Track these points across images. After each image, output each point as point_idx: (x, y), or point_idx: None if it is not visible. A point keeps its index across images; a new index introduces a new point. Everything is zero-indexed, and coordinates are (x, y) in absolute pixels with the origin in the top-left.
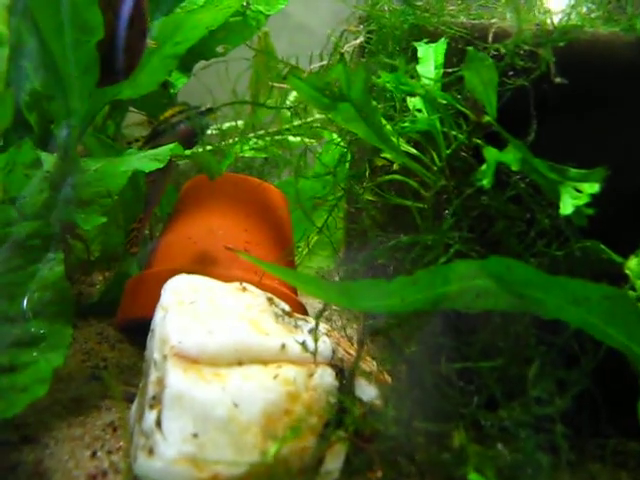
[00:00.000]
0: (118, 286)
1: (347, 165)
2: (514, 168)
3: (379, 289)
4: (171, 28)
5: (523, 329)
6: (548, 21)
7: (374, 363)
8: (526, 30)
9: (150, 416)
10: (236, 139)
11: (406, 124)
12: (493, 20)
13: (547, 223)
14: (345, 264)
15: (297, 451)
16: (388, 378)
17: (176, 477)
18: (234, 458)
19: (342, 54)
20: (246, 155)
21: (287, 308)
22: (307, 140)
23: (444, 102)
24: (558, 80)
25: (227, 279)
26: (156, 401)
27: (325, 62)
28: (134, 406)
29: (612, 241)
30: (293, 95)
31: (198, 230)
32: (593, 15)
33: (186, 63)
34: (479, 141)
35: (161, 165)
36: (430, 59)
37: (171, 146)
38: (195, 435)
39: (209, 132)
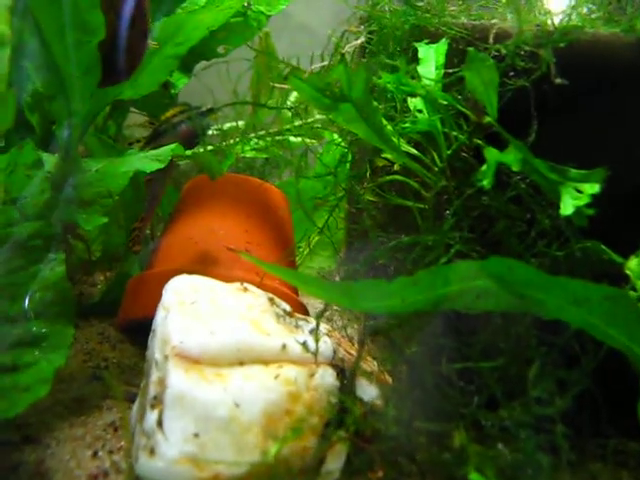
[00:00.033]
0: (119, 286)
1: (348, 165)
2: (515, 168)
3: (380, 289)
4: (172, 28)
5: (524, 329)
6: (549, 22)
7: (375, 363)
8: (527, 31)
9: (151, 416)
10: (237, 139)
11: (407, 124)
12: (494, 21)
13: (548, 223)
14: (346, 264)
15: (298, 451)
16: (389, 378)
17: (177, 477)
18: (235, 458)
19: (343, 54)
20: (247, 155)
21: (288, 308)
22: (308, 140)
23: (445, 103)
24: (558, 81)
25: (228, 279)
26: (157, 401)
27: (326, 63)
28: (135, 406)
29: (612, 241)
30: (294, 95)
31: (199, 230)
32: (593, 16)
33: (187, 63)
34: (480, 142)
35: (162, 165)
36: (431, 60)
37: (172, 146)
38: (196, 435)
39: (210, 132)
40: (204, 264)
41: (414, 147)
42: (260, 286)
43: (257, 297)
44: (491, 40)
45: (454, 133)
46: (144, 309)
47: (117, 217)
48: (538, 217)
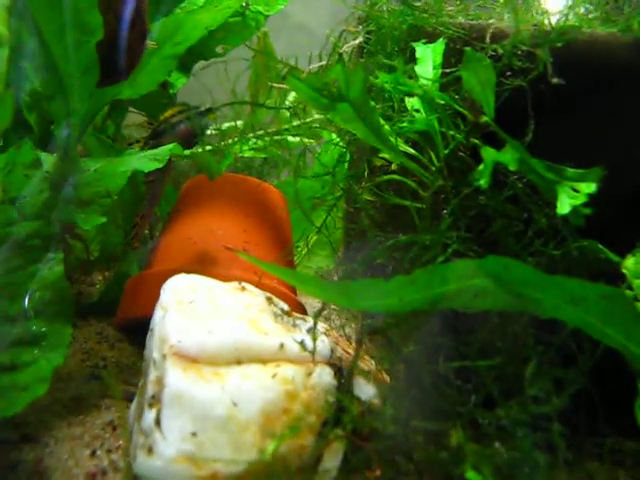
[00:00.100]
0: (118, 286)
1: (346, 165)
2: (511, 168)
3: (377, 289)
4: (171, 28)
5: (521, 328)
6: (546, 22)
7: (372, 362)
8: (524, 31)
9: (149, 415)
10: (235, 139)
11: (404, 124)
12: (491, 21)
13: (544, 223)
14: (344, 264)
15: (295, 449)
16: (386, 377)
17: (175, 476)
18: (233, 457)
19: (341, 54)
20: (245, 155)
21: (286, 307)
22: (306, 140)
23: (442, 102)
24: (555, 81)
25: (226, 279)
26: (155, 400)
27: (324, 62)
28: (133, 405)
29: (609, 240)
30: (292, 95)
31: (198, 230)
32: (591, 16)
33: (185, 63)
34: (477, 141)
35: (160, 165)
36: (428, 59)
37: (170, 146)
38: (194, 434)
39: (209, 132)
40: (203, 264)
41: (411, 147)
42: (258, 285)
43: (255, 296)
44: (488, 40)
45: (451, 133)
46: (142, 308)
47: (115, 217)
48: (535, 216)
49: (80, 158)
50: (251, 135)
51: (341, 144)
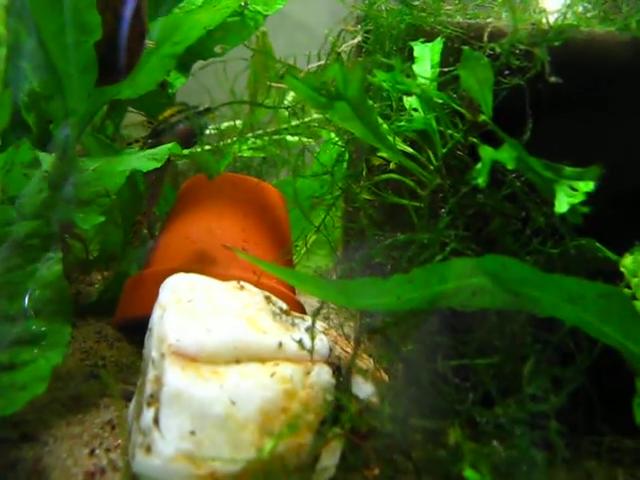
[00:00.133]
0: (117, 285)
1: (345, 164)
2: (509, 167)
3: (376, 287)
4: (169, 28)
5: (519, 327)
6: (544, 20)
7: (371, 361)
8: (522, 29)
9: (148, 414)
10: (234, 139)
11: (402, 123)
12: (489, 20)
13: (542, 221)
14: (343, 263)
15: (294, 448)
16: (385, 376)
17: (174, 474)
18: (231, 455)
19: (339, 53)
20: (244, 155)
21: (284, 306)
22: (305, 140)
23: (440, 101)
24: (553, 79)
25: (225, 278)
26: (154, 399)
27: (323, 62)
28: (132, 404)
29: (607, 239)
30: (291, 95)
31: (197, 229)
32: (589, 15)
33: (184, 63)
34: (475, 140)
35: (159, 164)
36: (426, 58)
37: (169, 145)
38: (193, 433)
39: (207, 132)
40: (201, 263)
41: (410, 146)
42: (257, 285)
43: (253, 295)
44: (486, 39)
45: (449, 131)
46: (141, 308)
47: (114, 216)
48: (533, 215)
49: (79, 158)
50: (250, 135)
51: (340, 143)
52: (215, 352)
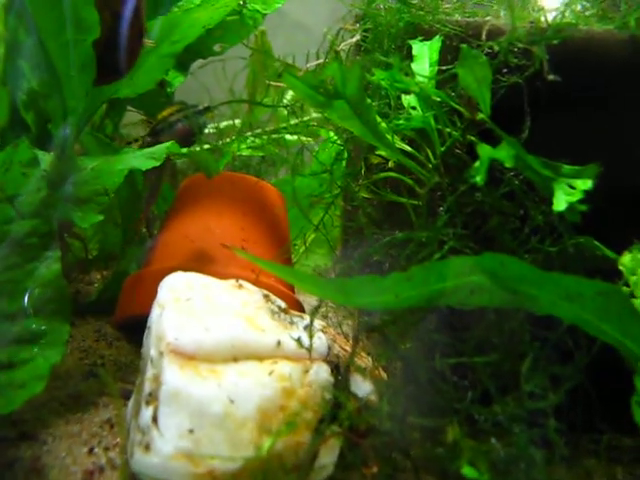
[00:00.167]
0: (116, 284)
1: (344, 163)
2: (507, 165)
3: (374, 285)
4: (168, 27)
5: (517, 325)
6: (542, 19)
7: (369, 359)
8: (520, 28)
9: (146, 412)
10: (233, 138)
11: (401, 121)
12: (487, 18)
13: (541, 219)
14: (342, 261)
15: (292, 446)
16: (383, 374)
17: (172, 472)
18: (230, 454)
19: (337, 52)
20: (243, 154)
21: (283, 305)
22: (304, 138)
23: (438, 99)
24: (551, 78)
25: (224, 277)
26: (152, 397)
27: (321, 60)
28: (131, 403)
29: (605, 237)
30: (290, 94)
31: (195, 228)
32: (587, 13)
33: (183, 62)
34: (473, 138)
35: (157, 163)
36: (425, 57)
37: (167, 144)
38: (191, 431)
39: (206, 131)
40: (200, 262)
41: (408, 144)
42: (256, 283)
43: (252, 294)
44: (484, 37)
45: (448, 130)
46: (140, 307)
47: (113, 215)
48: (531, 213)
49: (77, 156)
50: (249, 133)
51: (339, 142)
52: (213, 350)
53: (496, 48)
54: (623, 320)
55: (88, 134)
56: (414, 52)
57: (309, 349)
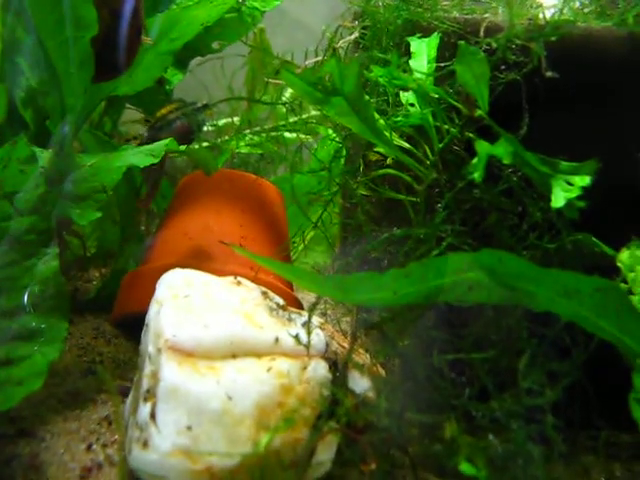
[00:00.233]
0: (114, 282)
1: (342, 160)
2: (506, 161)
3: (372, 282)
4: (167, 24)
5: (515, 321)
6: (540, 16)
7: (367, 356)
8: (518, 25)
9: (144, 409)
10: (232, 135)
11: (399, 118)
12: (486, 15)
13: (539, 216)
14: (341, 259)
15: (290, 442)
16: (381, 371)
17: (170, 469)
18: (228, 450)
19: (335, 49)
20: (242, 151)
21: (281, 302)
22: (303, 136)
23: (436, 96)
24: (549, 74)
25: (223, 274)
26: (150, 394)
27: (320, 58)
28: (129, 399)
29: (604, 234)
30: (289, 91)
31: (194, 226)
32: (586, 10)
33: (182, 59)
34: (471, 135)
35: (156, 160)
36: (423, 53)
37: (166, 141)
38: (189, 428)
39: (205, 128)
40: (199, 259)
41: (406, 141)
42: (255, 280)
43: (250, 291)
44: (482, 34)
45: (446, 126)
46: (139, 304)
47: (112, 213)
48: (529, 210)
49: (76, 154)
50: (248, 131)
51: (337, 140)
52: (212, 347)
53: (494, 45)
54: (621, 317)
55: (87, 131)
56: (412, 49)
57: (307, 346)
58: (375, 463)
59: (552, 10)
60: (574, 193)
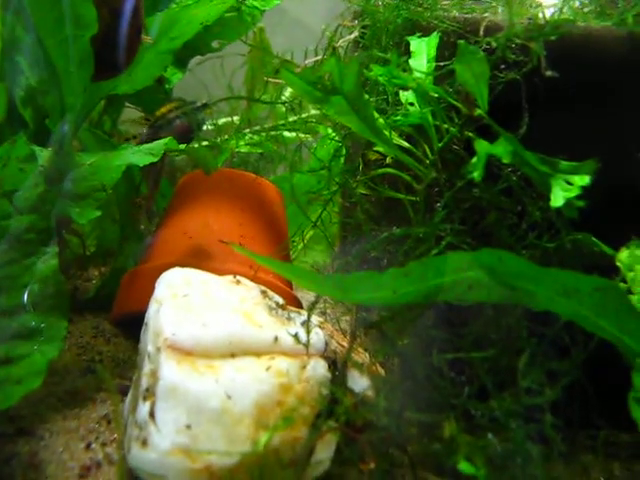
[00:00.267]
0: (114, 281)
1: (342, 160)
2: (505, 161)
3: (372, 281)
4: (166, 23)
5: (515, 321)
6: (540, 15)
7: (367, 355)
8: (518, 24)
9: (144, 408)
10: (232, 134)
11: (398, 117)
12: (485, 14)
13: (538, 215)
14: (340, 258)
15: (289, 441)
16: (381, 370)
17: (170, 468)
18: (227, 449)
19: (334, 48)
20: (242, 150)
21: (281, 301)
22: (302, 135)
23: (436, 95)
24: (549, 74)
25: (222, 273)
26: (150, 393)
27: (320, 57)
28: (128, 398)
29: (603, 234)
30: (288, 91)
31: (194, 225)
32: (585, 9)
33: (181, 58)
34: (471, 134)
35: (155, 159)
36: (422, 53)
37: (165, 140)
38: (188, 426)
39: (205, 127)
40: (198, 258)
41: (406, 140)
42: (254, 279)
43: (250, 290)
44: (482, 33)
45: (445, 126)
46: (138, 303)
47: (111, 212)
48: (529, 209)
49: (75, 152)
50: (247, 130)
51: (337, 139)
52: (211, 346)
53: (494, 44)
54: (620, 316)
55: (86, 130)
56: (412, 48)
57: (306, 345)
58: (374, 462)
59: (552, 9)
60: (573, 193)
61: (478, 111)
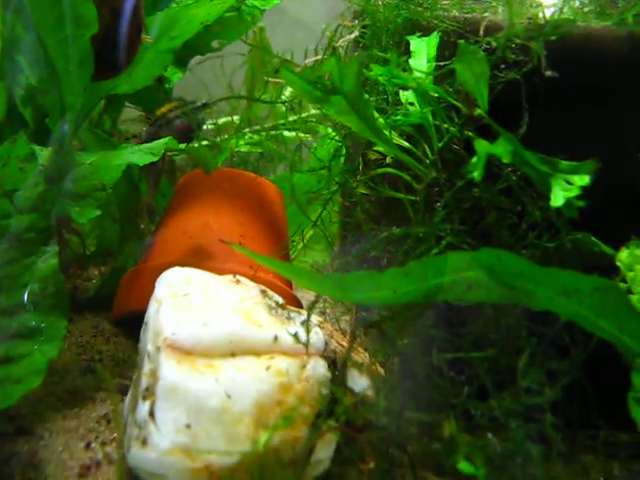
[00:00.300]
0: (114, 280)
1: (342, 159)
2: (505, 160)
3: (371, 281)
4: (167, 23)
5: (514, 320)
6: (540, 15)
7: (367, 355)
8: (518, 24)
9: (143, 407)
10: (232, 134)
11: (398, 117)
12: (485, 14)
13: (538, 215)
14: (340, 257)
15: (289, 441)
16: (380, 369)
17: (169, 467)
18: (227, 448)
19: (334, 48)
20: (242, 150)
21: (280, 300)
22: (302, 135)
23: (436, 95)
24: (549, 73)
25: (222, 272)
26: (149, 392)
27: (320, 57)
28: (128, 398)
29: (603, 233)
30: (288, 90)
31: (193, 224)
32: (585, 9)
33: (182, 58)
34: (471, 134)
35: (155, 159)
36: (422, 52)
37: (165, 140)
38: (188, 426)
39: (205, 127)
40: (198, 257)
41: (406, 139)
42: (254, 279)
43: (249, 289)
44: (482, 33)
45: (445, 125)
46: (138, 302)
47: (111, 211)
48: (529, 209)
49: (75, 152)
50: (247, 130)
51: (337, 139)
52: (211, 346)
53: (494, 44)
54: (620, 316)
55: (86, 130)
56: (412, 48)
57: (306, 344)
58: (374, 462)
59: (552, 9)
60: (573, 192)
61: (478, 111)
